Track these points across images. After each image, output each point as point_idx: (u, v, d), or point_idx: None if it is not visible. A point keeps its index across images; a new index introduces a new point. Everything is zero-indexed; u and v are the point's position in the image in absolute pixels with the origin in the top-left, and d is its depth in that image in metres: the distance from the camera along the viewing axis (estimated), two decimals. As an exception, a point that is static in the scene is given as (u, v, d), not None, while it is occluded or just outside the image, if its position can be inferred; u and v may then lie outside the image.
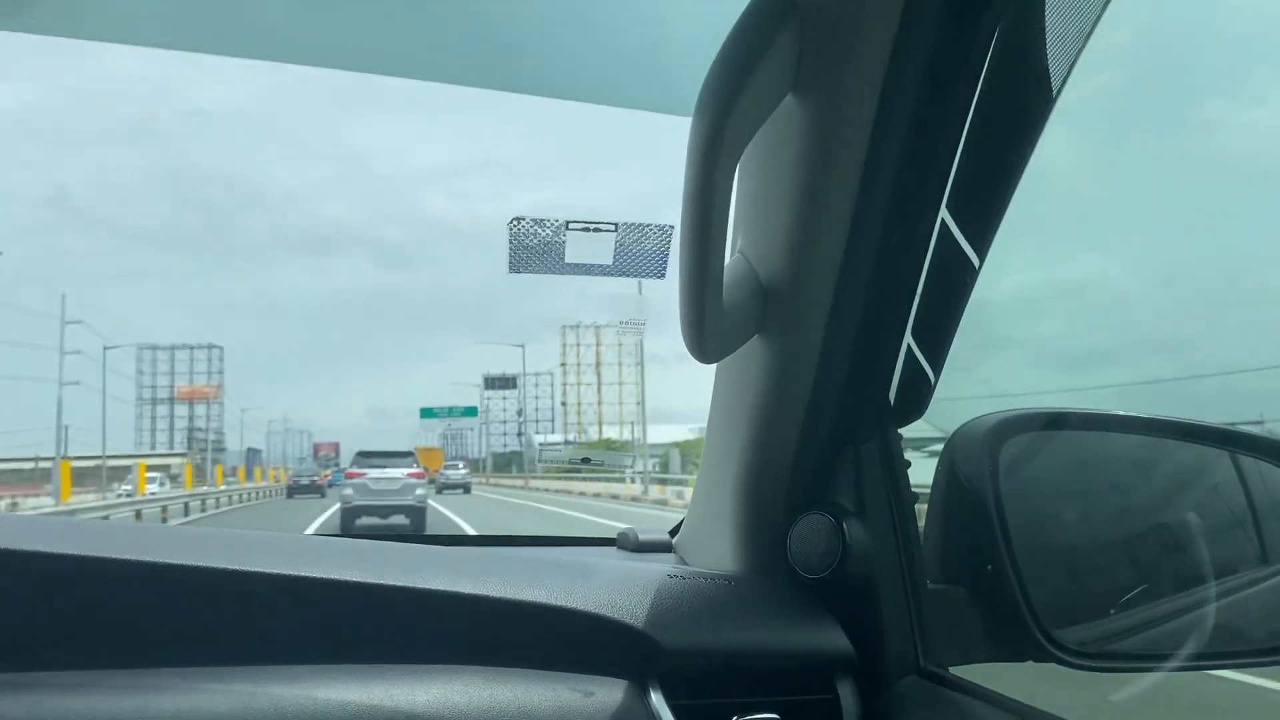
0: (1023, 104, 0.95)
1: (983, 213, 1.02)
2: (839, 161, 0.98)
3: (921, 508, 1.17)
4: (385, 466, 21.38)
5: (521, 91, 1.44)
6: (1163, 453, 1.24)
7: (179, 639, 0.92)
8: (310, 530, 18.67)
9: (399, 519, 20.54)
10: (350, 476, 21.78)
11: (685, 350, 1.01)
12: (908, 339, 1.12)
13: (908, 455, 1.18)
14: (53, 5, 1.44)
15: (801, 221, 1.01)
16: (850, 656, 1.09)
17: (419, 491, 21.21)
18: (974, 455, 1.12)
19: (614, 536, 1.49)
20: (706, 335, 0.98)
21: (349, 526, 19.51)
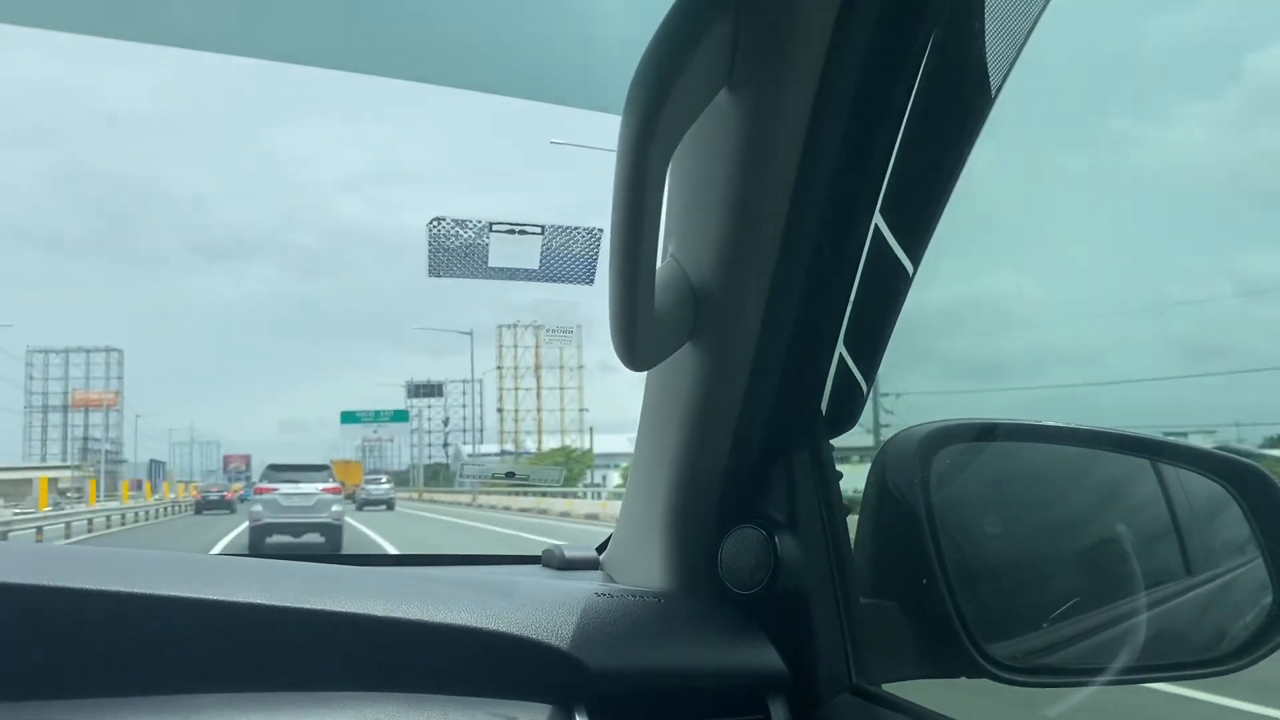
0: (959, 108, 0.93)
1: (917, 219, 1.00)
2: (773, 163, 0.95)
3: (854, 519, 1.15)
4: (298, 481, 20.13)
5: (449, 85, 1.40)
6: (1090, 463, 1.24)
7: (65, 670, 0.85)
8: (215, 551, 17.84)
9: (313, 537, 19.33)
10: (260, 492, 20.35)
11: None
12: (840, 347, 1.10)
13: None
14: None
15: (734, 225, 0.98)
16: (782, 675, 1.06)
17: (335, 508, 20.07)
18: (905, 467, 1.11)
19: (539, 554, 1.43)
20: (637, 342, 0.95)
21: (259, 546, 18.47)
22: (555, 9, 1.32)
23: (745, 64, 0.90)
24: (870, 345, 1.09)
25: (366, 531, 22.55)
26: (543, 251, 1.43)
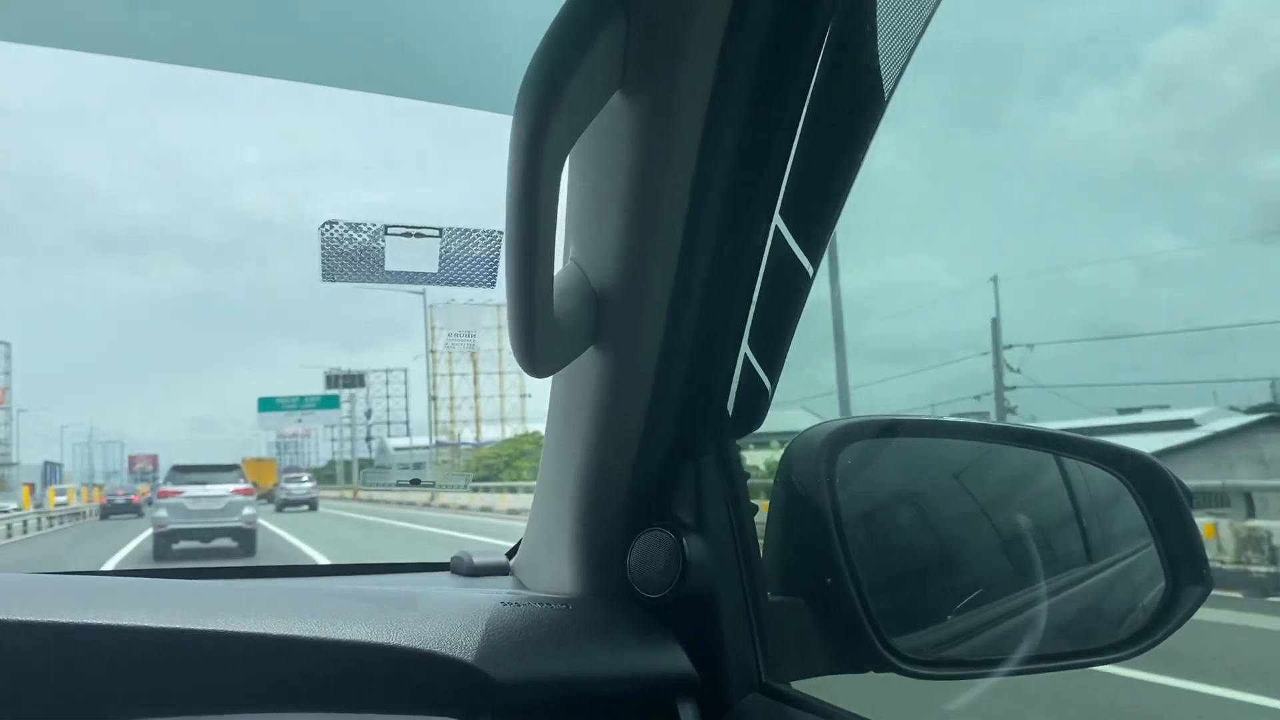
0: (853, 109, 0.93)
1: (815, 220, 1.00)
2: (670, 164, 0.94)
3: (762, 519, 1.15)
4: (206, 483, 18.82)
5: (344, 86, 1.35)
6: (994, 457, 1.26)
7: None
8: (114, 561, 16.76)
9: (225, 543, 18.14)
10: (163, 495, 18.75)
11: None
12: (744, 348, 1.10)
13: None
14: None
15: (634, 228, 0.97)
16: (691, 677, 1.05)
17: (247, 510, 18.79)
18: (811, 464, 1.11)
19: (448, 561, 1.41)
20: (537, 348, 0.93)
21: (164, 554, 17.25)
22: (449, 11, 1.29)
23: (639, 65, 0.88)
24: (774, 345, 1.09)
25: (287, 537, 21.20)
26: (441, 255, 1.40)
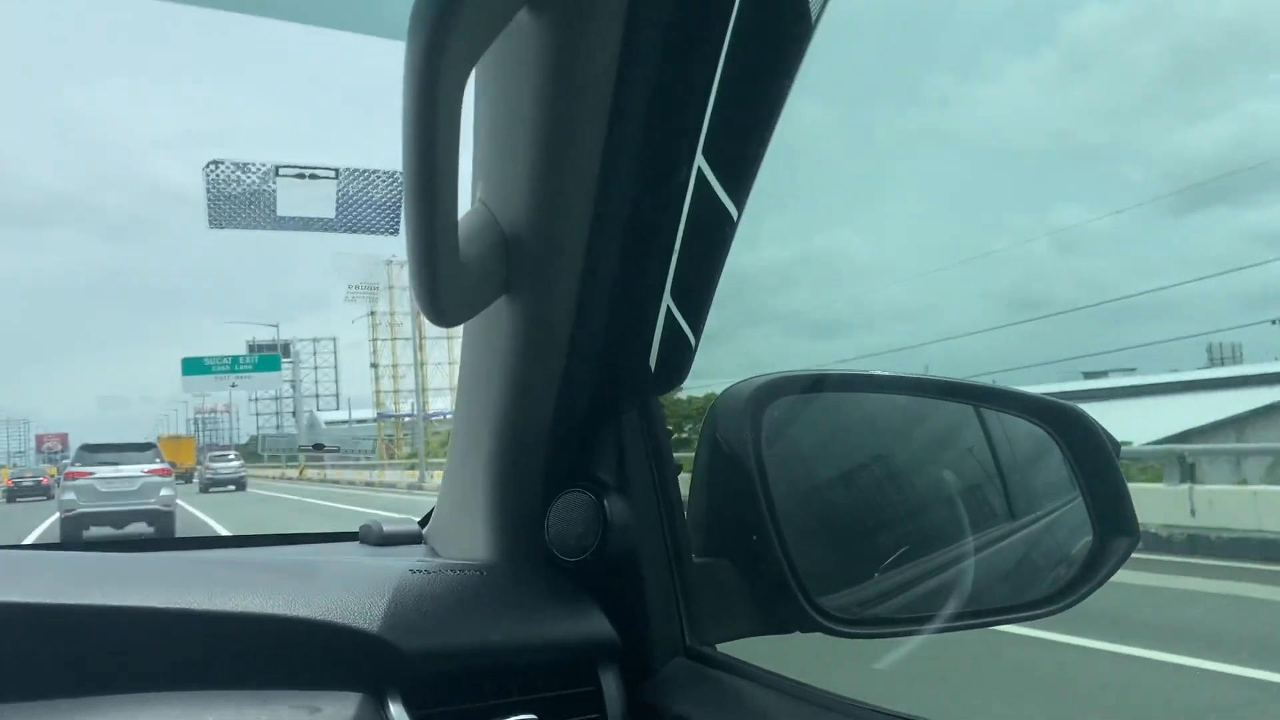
0: (779, 34, 0.88)
1: (739, 159, 0.95)
2: (583, 94, 0.87)
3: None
4: (119, 463, 17.53)
5: (236, 10, 1.26)
6: (919, 411, 1.24)
7: None
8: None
9: (140, 527, 16.76)
10: (72, 477, 17.37)
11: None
12: (666, 299, 1.05)
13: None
14: None
15: (545, 166, 0.91)
16: (613, 642, 1.01)
17: (164, 492, 17.57)
18: (736, 421, 1.07)
19: (357, 530, 1.34)
20: (441, 295, 0.86)
21: (73, 539, 14.79)
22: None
23: None
24: (698, 297, 1.04)
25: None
26: (339, 198, 1.31)
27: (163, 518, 17.23)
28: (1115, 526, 1.15)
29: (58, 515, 17.66)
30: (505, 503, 1.09)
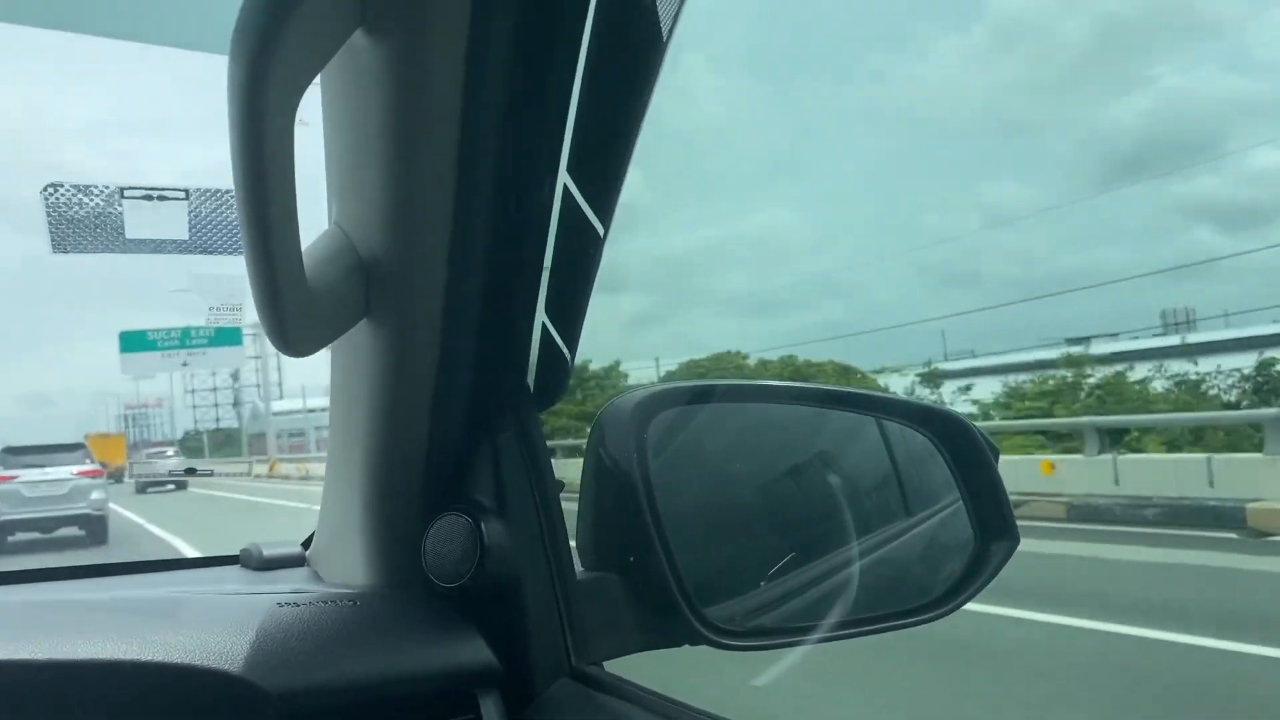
0: (633, 55, 0.86)
1: (603, 176, 0.93)
2: (431, 114, 0.85)
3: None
4: (45, 465, 16.60)
5: (66, 29, 1.21)
6: (809, 421, 1.24)
7: None
8: None
9: (71, 531, 16.10)
10: None
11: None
12: (541, 316, 1.03)
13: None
14: None
15: (398, 186, 0.88)
16: (492, 668, 0.99)
17: (95, 495, 16.58)
18: (620, 434, 1.06)
19: (237, 554, 1.30)
20: (288, 326, 0.83)
21: None
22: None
23: (379, 5, 0.79)
24: (571, 311, 1.03)
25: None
26: (191, 219, 1.27)
27: (94, 522, 16.45)
28: (996, 530, 1.16)
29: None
30: (381, 528, 1.06)
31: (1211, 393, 22.21)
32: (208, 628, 0.89)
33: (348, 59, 0.81)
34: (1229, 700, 5.31)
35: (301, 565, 1.25)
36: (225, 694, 0.85)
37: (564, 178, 0.94)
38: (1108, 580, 9.02)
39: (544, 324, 1.03)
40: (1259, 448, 12.27)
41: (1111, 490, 13.00)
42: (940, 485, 1.20)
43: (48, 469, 16.63)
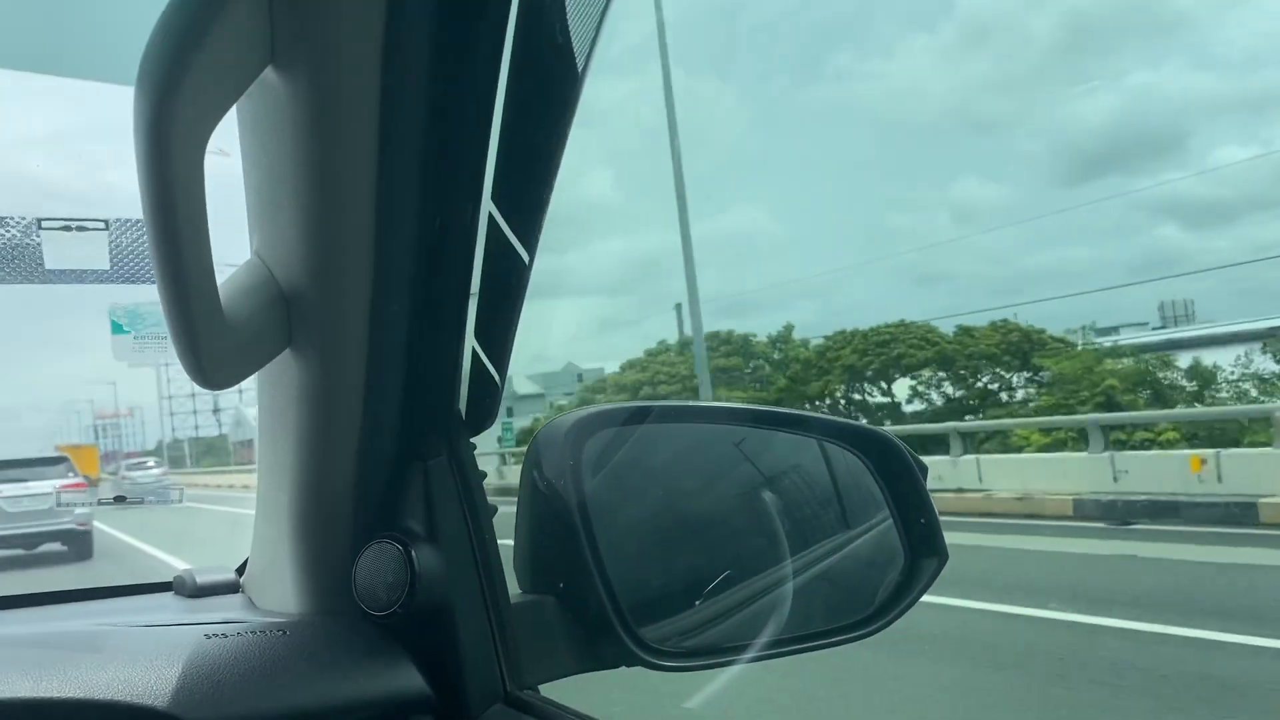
0: (549, 87, 0.87)
1: (526, 203, 0.94)
2: (344, 145, 0.85)
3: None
4: (25, 479, 15.79)
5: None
6: (745, 441, 1.24)
7: None
8: None
9: (54, 547, 15.56)
10: None
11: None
12: (470, 342, 1.04)
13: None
14: None
15: (317, 217, 0.88)
16: (424, 695, 0.99)
17: (80, 510, 15.66)
18: (555, 456, 1.06)
19: (170, 581, 1.29)
20: (203, 359, 0.82)
21: None
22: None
23: (288, 34, 0.79)
24: (500, 336, 1.03)
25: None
26: (111, 250, 1.26)
27: (78, 538, 15.92)
28: (925, 548, 1.17)
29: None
30: (312, 557, 1.06)
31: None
32: (133, 661, 0.89)
33: (261, 92, 0.81)
34: None
35: (235, 592, 1.24)
36: None
37: (488, 205, 0.95)
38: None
39: (474, 349, 1.04)
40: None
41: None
42: (872, 503, 1.21)
43: (29, 483, 15.95)
